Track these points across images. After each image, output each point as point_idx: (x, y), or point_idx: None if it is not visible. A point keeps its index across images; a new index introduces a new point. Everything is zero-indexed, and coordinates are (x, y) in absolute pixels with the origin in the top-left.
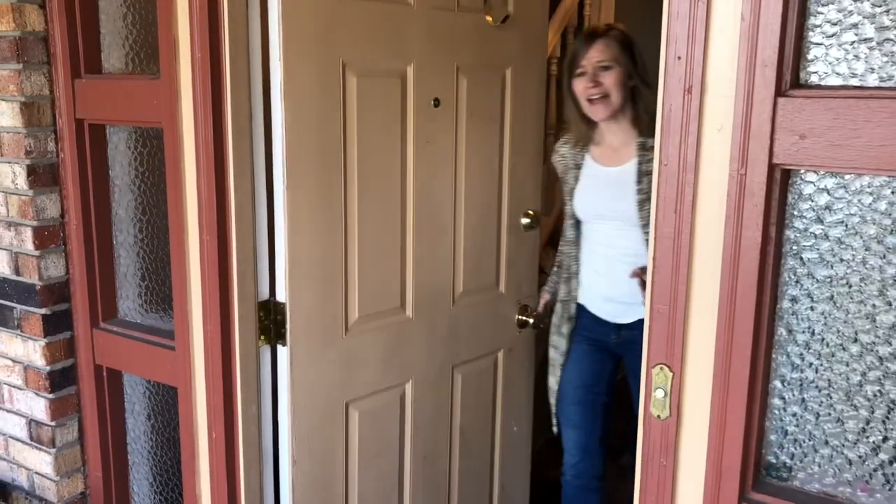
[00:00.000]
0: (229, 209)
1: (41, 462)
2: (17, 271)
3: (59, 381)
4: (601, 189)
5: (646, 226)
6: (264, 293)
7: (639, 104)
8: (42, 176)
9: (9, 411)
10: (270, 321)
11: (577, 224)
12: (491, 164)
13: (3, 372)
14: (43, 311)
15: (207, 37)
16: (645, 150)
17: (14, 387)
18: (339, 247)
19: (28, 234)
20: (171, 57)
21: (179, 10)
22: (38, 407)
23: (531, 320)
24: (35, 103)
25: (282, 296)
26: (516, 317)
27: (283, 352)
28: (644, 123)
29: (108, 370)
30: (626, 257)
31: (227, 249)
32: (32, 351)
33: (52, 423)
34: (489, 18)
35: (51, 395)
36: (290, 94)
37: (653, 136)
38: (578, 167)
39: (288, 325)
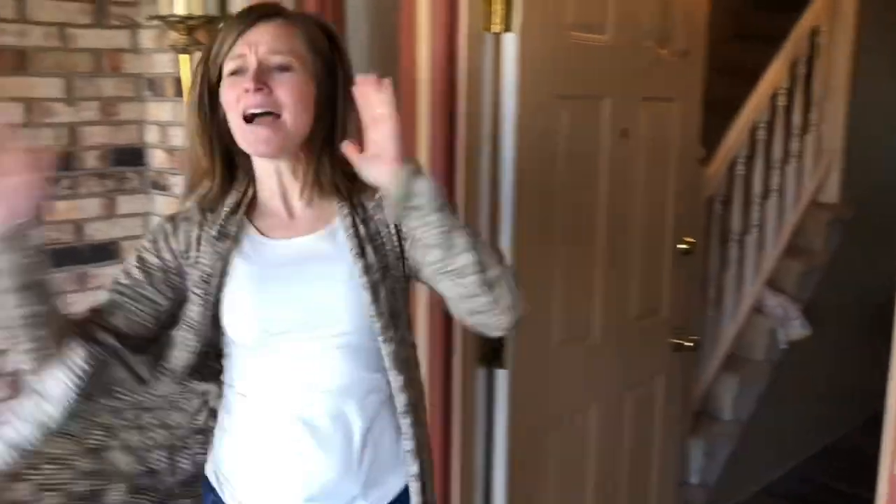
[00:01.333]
0: None
1: None
2: None
3: None
4: (287, 277)
5: (392, 335)
6: None
7: (337, 149)
8: None
9: None
10: (489, 346)
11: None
12: (661, 192)
13: None
14: None
15: (446, 77)
16: (354, 206)
17: None
18: (549, 271)
19: None
20: (411, 95)
21: (421, 57)
22: None
23: (687, 343)
24: None
25: None
26: (672, 340)
27: (501, 375)
28: (339, 186)
29: None
30: (351, 408)
31: None
32: None
33: None
34: (665, 52)
35: None
36: (523, 129)
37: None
38: (227, 243)
39: (509, 348)
